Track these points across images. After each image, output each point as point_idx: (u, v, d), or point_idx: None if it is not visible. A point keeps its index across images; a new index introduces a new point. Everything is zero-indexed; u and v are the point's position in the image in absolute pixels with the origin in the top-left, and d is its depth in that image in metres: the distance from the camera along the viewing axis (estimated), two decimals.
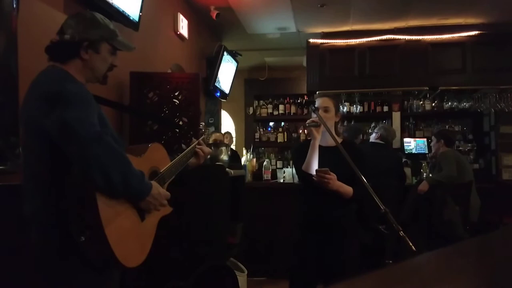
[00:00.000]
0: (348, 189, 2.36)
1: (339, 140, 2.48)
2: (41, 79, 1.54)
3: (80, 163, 1.38)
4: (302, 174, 2.44)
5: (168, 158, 1.86)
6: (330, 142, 2.51)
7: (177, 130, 3.27)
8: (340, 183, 2.33)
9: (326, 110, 2.47)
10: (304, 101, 6.89)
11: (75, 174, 1.41)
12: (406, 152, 5.90)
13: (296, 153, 2.64)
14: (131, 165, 1.45)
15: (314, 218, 2.46)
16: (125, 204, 1.51)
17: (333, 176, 2.30)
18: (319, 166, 2.35)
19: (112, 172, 1.38)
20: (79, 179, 1.40)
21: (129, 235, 1.53)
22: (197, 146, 2.08)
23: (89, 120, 1.41)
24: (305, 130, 2.57)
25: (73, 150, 1.38)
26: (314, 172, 2.33)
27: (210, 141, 4.65)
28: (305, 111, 6.96)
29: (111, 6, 2.94)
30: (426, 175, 5.09)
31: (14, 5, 1.86)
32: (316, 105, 2.48)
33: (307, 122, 2.44)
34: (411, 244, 1.62)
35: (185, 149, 2.96)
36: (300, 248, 2.51)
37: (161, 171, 1.76)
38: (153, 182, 1.58)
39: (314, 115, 2.47)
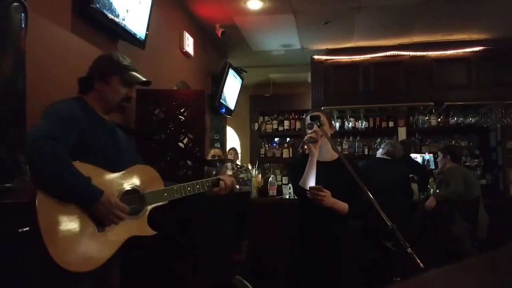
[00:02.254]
0: (343, 206, 2.35)
1: (336, 155, 2.49)
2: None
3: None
4: (299, 190, 2.43)
5: (162, 183, 1.92)
6: (326, 158, 2.51)
7: (183, 147, 3.27)
8: (334, 200, 2.31)
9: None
10: (310, 116, 6.89)
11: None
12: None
13: (293, 168, 2.63)
14: (75, 171, 1.58)
15: (311, 233, 2.44)
16: (76, 210, 1.61)
17: (327, 193, 2.28)
18: (316, 182, 2.34)
19: (46, 174, 1.53)
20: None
21: (74, 239, 1.59)
22: (221, 177, 2.12)
23: (48, 129, 1.59)
24: (305, 146, 2.54)
25: None
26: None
27: (209, 157, 4.66)
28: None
29: (118, 25, 2.98)
30: (433, 191, 5.05)
31: (23, 25, 1.89)
32: (308, 121, 2.48)
33: (305, 138, 2.43)
34: (419, 261, 1.60)
35: (190, 165, 2.96)
36: (298, 264, 2.49)
37: (144, 192, 1.83)
38: (106, 192, 1.65)
39: (308, 131, 2.47)
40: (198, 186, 2.02)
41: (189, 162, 3.19)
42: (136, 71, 1.93)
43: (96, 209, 1.63)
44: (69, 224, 1.59)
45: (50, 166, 1.54)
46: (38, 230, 1.49)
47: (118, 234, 1.70)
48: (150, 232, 1.82)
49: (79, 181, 1.59)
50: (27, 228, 1.53)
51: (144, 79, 1.93)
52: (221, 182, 2.07)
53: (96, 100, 1.86)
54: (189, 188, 1.98)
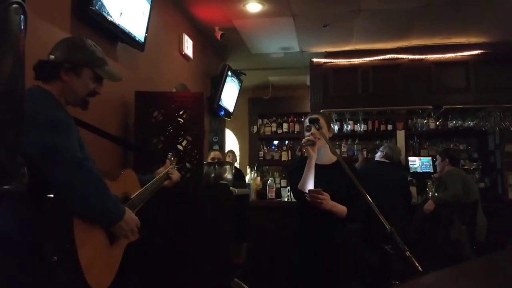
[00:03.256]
0: (341, 209, 2.35)
1: (335, 158, 2.49)
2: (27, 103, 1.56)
3: (61, 187, 1.42)
4: (298, 192, 2.43)
5: (139, 185, 1.91)
6: (325, 160, 2.51)
7: (181, 149, 3.27)
8: (333, 203, 2.31)
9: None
10: (308, 119, 6.89)
11: (54, 196, 1.44)
12: (411, 171, 5.88)
13: (291, 171, 2.63)
14: (108, 190, 1.51)
15: (310, 236, 2.43)
16: (98, 228, 1.55)
17: (326, 196, 2.28)
18: (314, 185, 2.33)
19: (91, 198, 1.44)
20: (58, 201, 1.43)
21: (99, 259, 1.54)
22: (169, 171, 2.19)
23: (72, 146, 1.48)
24: (303, 149, 2.52)
25: (55, 175, 1.41)
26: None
27: (209, 160, 4.66)
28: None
29: (117, 27, 2.99)
30: (431, 194, 5.05)
31: (22, 26, 1.89)
32: (307, 124, 2.48)
33: (303, 142, 2.43)
34: (417, 264, 1.60)
35: (188, 167, 2.97)
36: (297, 267, 2.48)
37: (132, 197, 1.81)
38: (126, 208, 1.62)
39: (307, 134, 2.47)
40: (157, 184, 2.07)
41: (187, 165, 3.19)
42: (108, 65, 1.78)
43: (117, 227, 1.57)
44: (97, 246, 1.55)
45: (98, 190, 1.47)
46: (76, 257, 1.40)
47: (121, 244, 1.70)
48: (137, 235, 1.79)
49: (115, 203, 1.54)
50: (55, 258, 1.42)
51: (118, 77, 1.80)
52: (170, 176, 2.18)
53: (59, 92, 1.65)
54: (153, 187, 2.01)
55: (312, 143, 2.38)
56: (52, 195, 1.43)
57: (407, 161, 5.97)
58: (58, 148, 1.43)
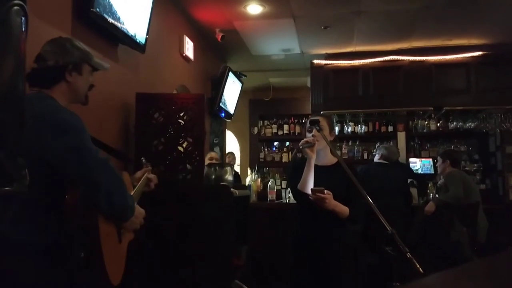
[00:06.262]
0: (344, 209, 2.33)
1: (335, 160, 2.49)
2: (38, 109, 1.51)
3: (89, 186, 1.47)
4: (298, 193, 2.42)
5: (132, 187, 1.92)
6: (325, 161, 2.50)
7: (182, 151, 3.28)
8: (336, 203, 2.30)
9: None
10: (309, 121, 6.88)
11: (78, 196, 1.49)
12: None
13: (291, 172, 2.61)
14: (126, 187, 1.60)
15: (310, 238, 2.43)
16: (112, 225, 1.63)
17: (329, 195, 2.27)
18: (314, 185, 2.33)
19: (115, 195, 1.52)
20: (82, 201, 1.48)
21: (113, 254, 1.62)
22: (148, 176, 2.09)
23: (93, 147, 1.54)
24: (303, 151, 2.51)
25: (82, 176, 1.47)
26: (309, 191, 2.31)
27: (207, 160, 4.65)
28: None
29: (118, 29, 2.99)
30: (432, 195, 5.05)
31: (23, 28, 1.89)
32: (308, 125, 2.48)
33: (301, 143, 2.41)
34: (418, 265, 1.59)
35: (189, 169, 2.97)
36: (295, 270, 2.47)
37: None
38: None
39: (308, 135, 2.47)
40: (140, 190, 2.00)
41: (188, 166, 3.19)
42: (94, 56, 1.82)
43: (130, 222, 1.65)
44: (112, 242, 1.62)
45: (120, 187, 1.55)
46: (101, 253, 1.47)
47: (125, 241, 1.77)
48: (132, 235, 1.86)
49: (132, 200, 1.62)
50: (82, 254, 1.49)
51: (106, 65, 1.85)
52: (149, 181, 2.08)
53: (63, 94, 1.65)
54: (139, 188, 1.97)
55: (310, 145, 2.37)
56: (68, 196, 1.48)
57: (408, 162, 5.97)
58: (81, 149, 1.48)
